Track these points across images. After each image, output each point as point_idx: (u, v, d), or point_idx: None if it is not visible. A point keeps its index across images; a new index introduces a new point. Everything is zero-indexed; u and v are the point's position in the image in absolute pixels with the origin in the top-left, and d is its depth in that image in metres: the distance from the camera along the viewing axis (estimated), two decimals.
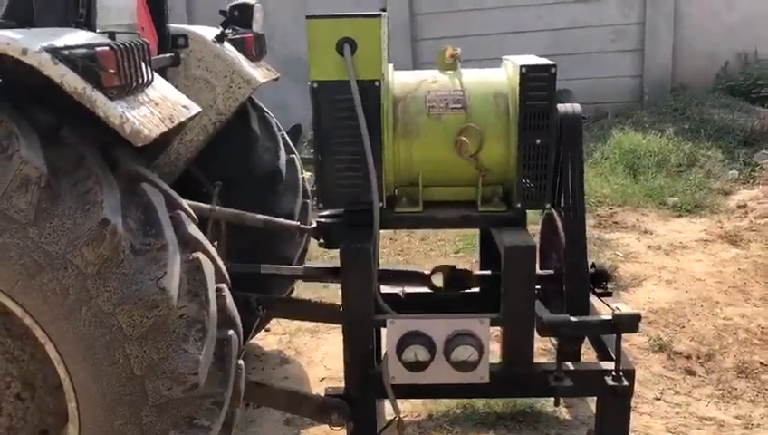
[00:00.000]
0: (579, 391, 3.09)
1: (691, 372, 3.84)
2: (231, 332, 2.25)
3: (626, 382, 2.81)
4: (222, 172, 3.51)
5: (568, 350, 3.18)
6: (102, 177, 1.98)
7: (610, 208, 6.46)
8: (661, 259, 5.28)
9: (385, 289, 3.35)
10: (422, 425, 3.45)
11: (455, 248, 5.91)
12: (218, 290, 2.22)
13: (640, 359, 3.95)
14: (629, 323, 2.78)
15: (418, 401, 3.56)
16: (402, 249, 6.04)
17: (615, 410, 2.90)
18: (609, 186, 6.91)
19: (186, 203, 2.34)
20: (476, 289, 3.41)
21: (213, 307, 2.12)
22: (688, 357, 3.97)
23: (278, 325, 4.55)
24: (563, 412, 3.52)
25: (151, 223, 2.04)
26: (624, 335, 2.82)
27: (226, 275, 2.35)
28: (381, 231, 2.83)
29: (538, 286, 3.23)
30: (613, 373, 2.82)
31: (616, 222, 6.15)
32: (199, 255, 2.15)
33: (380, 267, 3.37)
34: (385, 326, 2.81)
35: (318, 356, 4.25)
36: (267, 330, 4.48)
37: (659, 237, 5.75)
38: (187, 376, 1.99)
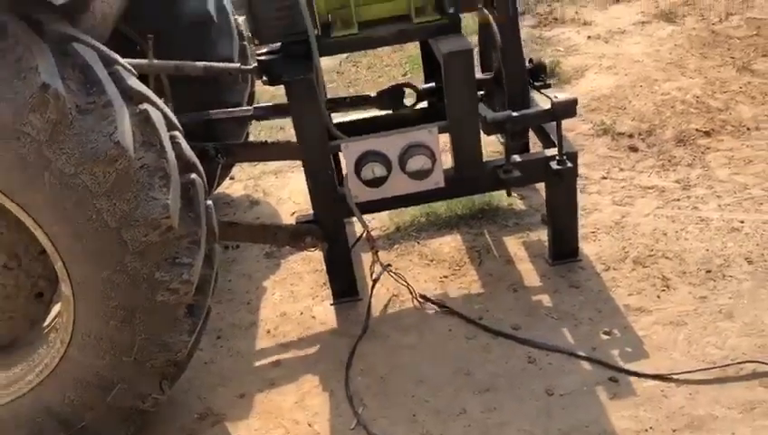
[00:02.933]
0: (527, 180, 3.30)
1: (634, 149, 4.09)
2: (193, 175, 2.35)
3: (569, 164, 3.03)
4: (151, 24, 3.42)
5: (515, 146, 3.37)
6: (31, 42, 1.97)
7: (549, 5, 6.44)
8: (601, 47, 5.39)
9: (337, 118, 3.45)
10: (391, 237, 3.69)
11: (402, 72, 5.93)
12: (172, 138, 2.29)
13: (586, 144, 4.16)
14: (567, 108, 2.95)
15: (385, 216, 3.78)
16: (351, 80, 6.04)
17: (562, 192, 3.14)
18: None
19: (122, 59, 2.34)
20: (424, 104, 3.53)
21: (170, 154, 2.20)
22: (631, 136, 4.20)
23: (242, 172, 4.65)
24: (519, 204, 3.78)
25: (91, 81, 2.06)
26: (569, 125, 2.99)
27: (177, 123, 2.41)
28: (325, 62, 2.85)
29: (481, 91, 3.35)
30: (557, 158, 3.02)
31: (555, 18, 6.17)
32: (146, 106, 2.20)
33: (328, 96, 3.44)
34: (341, 151, 2.95)
35: (285, 194, 4.40)
36: (231, 178, 4.59)
37: (598, 27, 5.82)
38: (160, 220, 2.11)
